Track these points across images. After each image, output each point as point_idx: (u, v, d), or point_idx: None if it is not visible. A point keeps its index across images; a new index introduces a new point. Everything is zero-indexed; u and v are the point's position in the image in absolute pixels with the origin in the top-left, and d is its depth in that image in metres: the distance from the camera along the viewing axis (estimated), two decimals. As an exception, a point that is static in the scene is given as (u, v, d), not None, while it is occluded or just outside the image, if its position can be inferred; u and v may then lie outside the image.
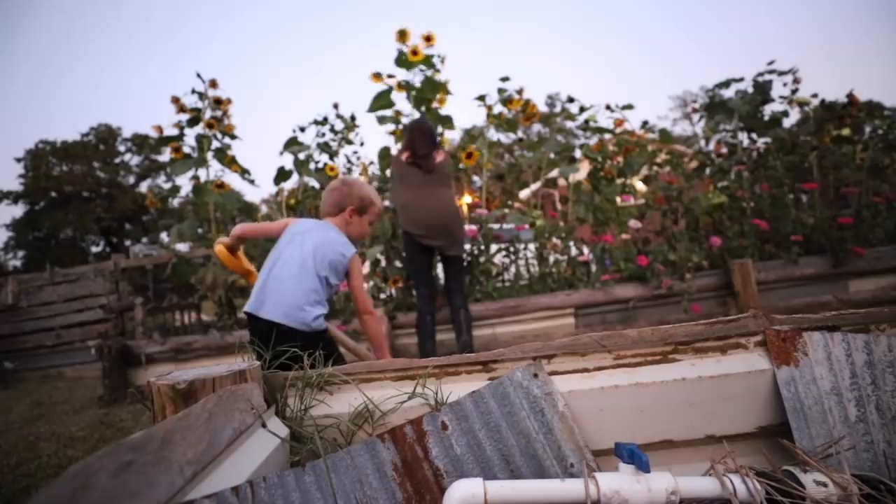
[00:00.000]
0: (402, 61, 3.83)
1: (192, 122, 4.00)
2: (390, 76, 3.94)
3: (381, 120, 3.97)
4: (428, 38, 3.78)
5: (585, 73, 67.52)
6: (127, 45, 67.34)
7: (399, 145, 3.88)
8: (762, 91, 4.23)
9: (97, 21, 65.05)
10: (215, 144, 4.05)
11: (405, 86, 3.91)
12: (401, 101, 4.04)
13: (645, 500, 0.71)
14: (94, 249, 25.29)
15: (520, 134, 5.19)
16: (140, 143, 26.14)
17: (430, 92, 3.86)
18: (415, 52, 3.77)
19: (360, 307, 1.71)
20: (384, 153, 4.10)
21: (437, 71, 3.88)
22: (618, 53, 69.43)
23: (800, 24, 62.84)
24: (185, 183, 6.41)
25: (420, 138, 2.96)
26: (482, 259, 3.73)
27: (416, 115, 3.95)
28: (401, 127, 3.99)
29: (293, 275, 1.58)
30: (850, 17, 61.62)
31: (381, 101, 3.95)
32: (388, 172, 4.23)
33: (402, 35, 3.76)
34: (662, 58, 65.90)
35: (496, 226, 3.89)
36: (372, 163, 4.40)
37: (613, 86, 61.65)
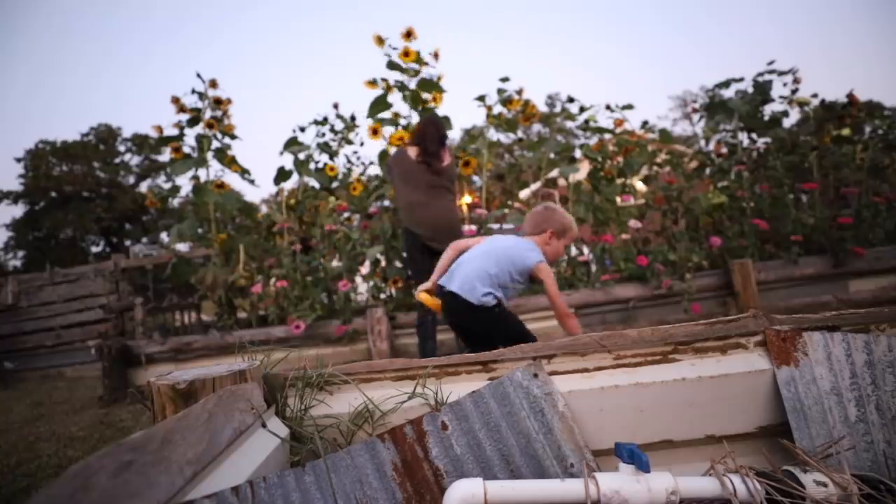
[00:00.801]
0: (392, 65, 3.82)
1: (192, 122, 4.00)
2: (384, 80, 3.94)
3: (381, 123, 3.97)
4: (408, 34, 3.73)
5: (585, 74, 67.48)
6: (127, 45, 67.39)
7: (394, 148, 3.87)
8: (762, 91, 4.23)
9: (97, 21, 65.09)
10: (215, 144, 4.05)
11: (399, 86, 3.88)
12: (398, 103, 4.05)
13: (645, 500, 0.71)
14: (94, 249, 25.29)
15: (520, 134, 5.19)
16: (140, 143, 26.14)
17: (425, 90, 3.84)
18: (406, 54, 3.76)
19: (558, 311, 1.86)
20: (384, 155, 4.10)
21: (425, 63, 3.84)
22: (618, 55, 69.38)
23: (799, 27, 62.80)
24: (185, 183, 6.43)
25: (431, 135, 2.92)
26: (482, 259, 3.73)
27: (415, 115, 3.94)
28: (400, 128, 3.98)
29: (476, 260, 1.89)
30: (849, 19, 61.63)
31: (379, 105, 3.94)
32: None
33: (380, 41, 3.76)
34: (662, 60, 65.83)
35: (496, 226, 3.89)
36: (372, 163, 4.39)
37: (613, 86, 61.62)
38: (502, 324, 1.88)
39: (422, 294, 2.03)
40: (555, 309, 1.87)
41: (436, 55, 3.88)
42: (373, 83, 3.93)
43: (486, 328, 1.85)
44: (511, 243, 1.94)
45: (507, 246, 1.92)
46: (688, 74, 64.72)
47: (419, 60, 3.82)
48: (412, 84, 3.90)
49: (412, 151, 2.92)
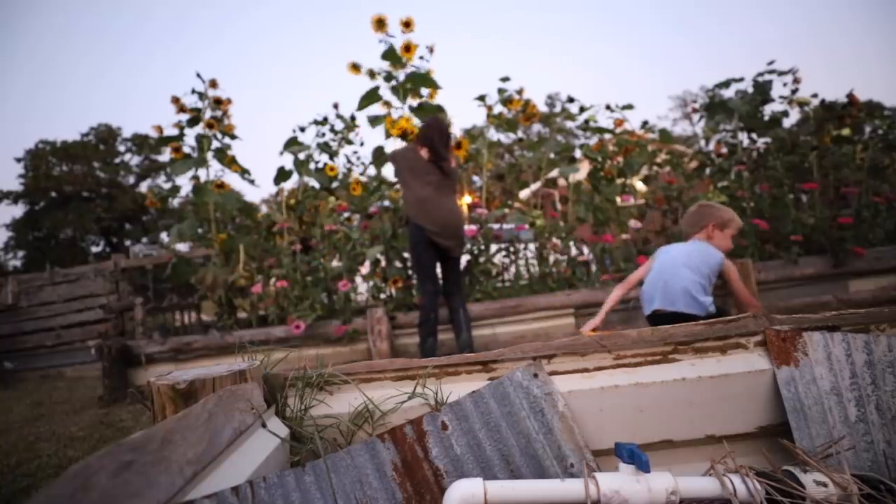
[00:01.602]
0: (388, 55, 3.77)
1: (192, 122, 4.00)
2: (371, 70, 3.88)
3: (374, 121, 3.93)
4: (406, 24, 3.68)
5: (585, 74, 67.56)
6: (128, 45, 67.42)
7: (396, 142, 3.86)
8: (762, 91, 4.23)
9: (99, 21, 65.13)
10: (215, 144, 4.05)
11: (388, 76, 3.82)
12: (390, 95, 3.98)
13: (645, 500, 0.71)
14: (94, 249, 25.29)
15: (520, 134, 5.19)
16: (140, 143, 26.15)
17: (415, 84, 3.79)
18: (407, 48, 3.70)
19: (745, 302, 1.98)
20: (379, 152, 4.09)
21: (420, 57, 3.80)
22: (618, 55, 69.50)
23: (799, 27, 62.88)
24: (185, 183, 6.43)
25: (440, 139, 2.98)
26: (482, 259, 3.73)
27: (406, 109, 3.90)
28: (395, 118, 3.93)
29: (681, 274, 1.92)
30: (848, 19, 61.68)
31: (370, 98, 3.89)
32: (385, 171, 4.21)
33: (380, 24, 3.65)
34: (662, 60, 65.96)
35: (496, 226, 3.89)
36: (372, 163, 4.39)
37: (613, 86, 61.74)
38: None
39: (590, 333, 2.14)
40: (745, 301, 1.97)
41: (431, 49, 3.84)
42: (356, 67, 3.87)
43: None
44: (685, 249, 2.01)
45: (688, 253, 1.98)
46: (688, 74, 64.90)
47: (409, 51, 3.74)
48: (401, 76, 3.83)
49: (423, 151, 2.98)
